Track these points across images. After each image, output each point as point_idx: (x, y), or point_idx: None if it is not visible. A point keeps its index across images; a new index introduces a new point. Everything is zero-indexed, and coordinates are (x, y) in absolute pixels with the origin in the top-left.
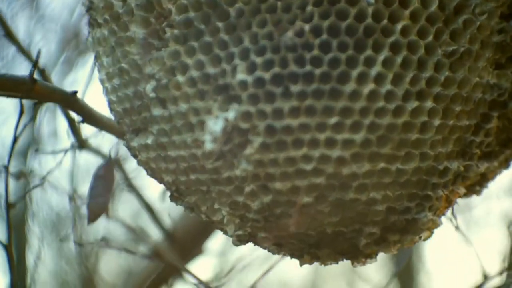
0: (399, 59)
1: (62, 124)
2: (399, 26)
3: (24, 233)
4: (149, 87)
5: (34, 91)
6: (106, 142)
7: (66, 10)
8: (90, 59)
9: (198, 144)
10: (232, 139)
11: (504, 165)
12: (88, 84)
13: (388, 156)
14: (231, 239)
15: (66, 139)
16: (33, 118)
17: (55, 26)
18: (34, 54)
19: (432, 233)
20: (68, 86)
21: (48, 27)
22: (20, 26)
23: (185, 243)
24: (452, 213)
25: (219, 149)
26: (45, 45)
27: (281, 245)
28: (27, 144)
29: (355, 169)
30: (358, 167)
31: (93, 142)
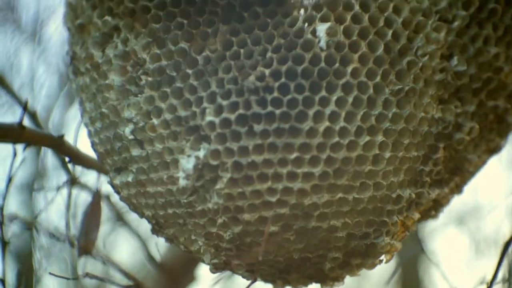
0: (350, 99)
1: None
2: (349, 68)
3: (31, 265)
4: (127, 130)
5: (23, 136)
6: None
7: (67, 44)
8: None
9: (173, 180)
10: (203, 176)
11: (456, 191)
12: (80, 125)
13: (345, 186)
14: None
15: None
16: (36, 154)
17: (56, 60)
18: (26, 97)
19: (393, 255)
20: (70, 118)
21: (50, 61)
22: (23, 61)
23: (177, 271)
24: (418, 237)
25: (192, 185)
26: (47, 78)
27: (253, 271)
28: (32, 180)
29: (315, 200)
30: (318, 198)
31: (89, 179)
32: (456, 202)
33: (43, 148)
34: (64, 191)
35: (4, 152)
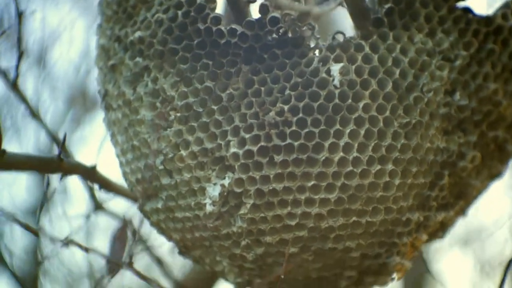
0: (362, 131)
1: (72, 180)
2: (361, 104)
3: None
4: (158, 160)
5: (61, 167)
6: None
7: (72, 68)
8: (96, 116)
9: (200, 206)
10: (228, 202)
11: (461, 213)
12: (100, 151)
13: (359, 211)
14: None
15: (77, 196)
16: (42, 176)
17: (62, 84)
18: (65, 133)
19: (404, 273)
20: (76, 142)
21: (55, 85)
22: (29, 85)
23: None
24: (423, 258)
25: (218, 210)
26: (52, 103)
27: None
28: (38, 201)
29: (331, 223)
30: (334, 221)
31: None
32: (461, 223)
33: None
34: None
35: (9, 178)
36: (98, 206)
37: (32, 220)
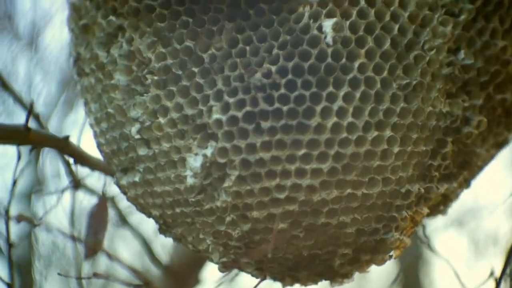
0: (358, 94)
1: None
2: (356, 64)
3: (30, 274)
4: (134, 129)
5: (29, 138)
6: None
7: (64, 52)
8: None
9: (181, 179)
10: (211, 174)
11: (465, 185)
12: (83, 127)
13: (354, 182)
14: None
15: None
16: (35, 162)
17: (54, 68)
18: (31, 99)
19: (402, 251)
20: (68, 125)
21: (47, 69)
22: (20, 68)
23: (181, 273)
24: (425, 234)
25: (200, 183)
26: (45, 86)
27: (262, 269)
28: (31, 187)
29: (324, 196)
30: (327, 194)
31: (91, 182)
32: (456, 203)
33: (41, 158)
34: (66, 196)
35: (2, 162)
36: (77, 183)
37: (26, 204)
